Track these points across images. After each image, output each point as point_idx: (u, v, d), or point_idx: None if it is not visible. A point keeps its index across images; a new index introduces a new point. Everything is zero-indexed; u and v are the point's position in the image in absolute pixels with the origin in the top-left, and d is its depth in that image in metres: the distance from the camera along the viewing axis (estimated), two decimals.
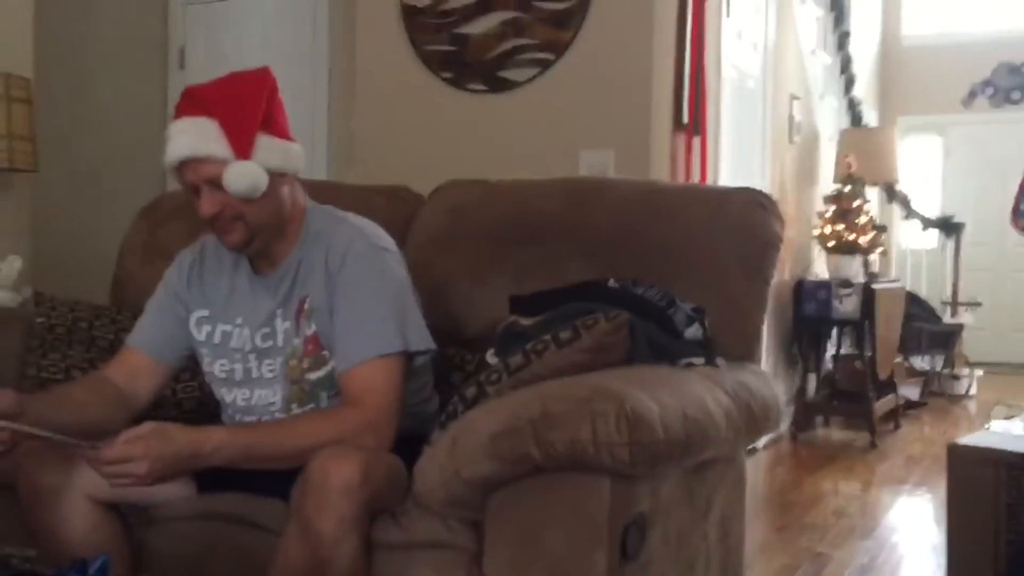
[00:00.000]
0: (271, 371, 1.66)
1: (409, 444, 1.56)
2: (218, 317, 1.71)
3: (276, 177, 1.60)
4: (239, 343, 1.69)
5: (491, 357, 1.66)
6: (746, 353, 1.84)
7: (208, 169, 1.55)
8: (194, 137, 1.55)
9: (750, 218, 1.91)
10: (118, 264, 2.44)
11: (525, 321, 1.67)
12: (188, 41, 4.91)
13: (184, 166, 1.57)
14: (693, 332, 1.68)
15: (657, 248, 1.89)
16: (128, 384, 1.70)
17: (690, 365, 1.61)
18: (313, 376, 1.63)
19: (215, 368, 1.71)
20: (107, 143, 4.68)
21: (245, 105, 1.60)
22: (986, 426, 1.36)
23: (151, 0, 4.91)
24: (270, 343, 1.66)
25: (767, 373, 1.84)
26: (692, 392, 1.46)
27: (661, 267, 1.87)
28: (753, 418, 1.62)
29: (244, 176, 1.55)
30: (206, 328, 1.73)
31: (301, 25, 4.62)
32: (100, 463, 1.41)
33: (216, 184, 1.55)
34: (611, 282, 1.75)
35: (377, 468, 1.42)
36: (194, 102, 1.59)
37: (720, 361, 1.68)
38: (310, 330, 1.63)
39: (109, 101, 4.79)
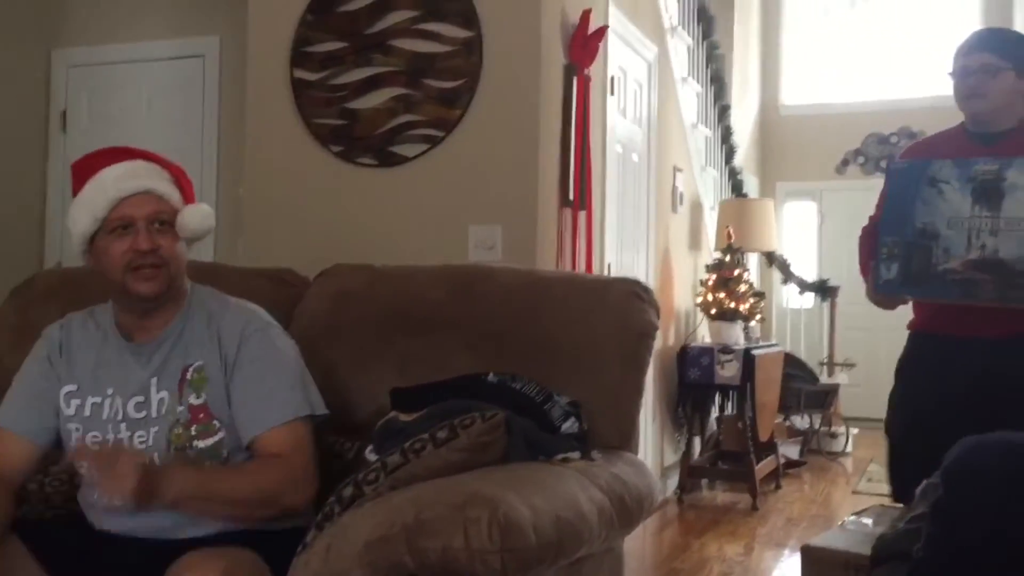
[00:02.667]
0: (142, 442, 1.66)
1: (284, 538, 1.59)
2: (87, 390, 1.71)
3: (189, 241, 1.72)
4: (110, 413, 1.68)
5: (370, 454, 1.67)
6: (623, 442, 1.89)
7: (160, 206, 1.66)
8: (152, 177, 1.68)
9: (627, 308, 1.98)
10: None
11: (404, 417, 1.69)
12: (70, 104, 4.82)
13: (129, 201, 1.64)
14: (569, 426, 1.72)
15: (538, 339, 1.94)
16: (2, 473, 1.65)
17: (566, 460, 1.65)
18: (201, 444, 1.64)
19: (87, 441, 1.68)
20: None
21: (175, 166, 1.76)
22: (840, 523, 1.43)
23: (33, 61, 4.80)
24: (143, 413, 1.67)
25: (642, 463, 1.89)
26: (566, 491, 1.50)
27: (542, 357, 1.91)
28: (627, 511, 1.66)
29: (203, 218, 1.68)
30: (75, 402, 1.72)
31: (190, 92, 4.59)
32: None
33: (160, 223, 1.65)
34: (490, 376, 1.78)
35: (239, 574, 1.41)
36: (129, 152, 1.72)
37: (596, 454, 1.72)
38: (198, 400, 1.65)
39: None
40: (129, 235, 1.64)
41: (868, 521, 1.40)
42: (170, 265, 1.67)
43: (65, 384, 1.72)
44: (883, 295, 2.20)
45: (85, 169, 1.71)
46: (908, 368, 2.36)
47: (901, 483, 2.11)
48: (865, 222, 2.44)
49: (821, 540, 1.34)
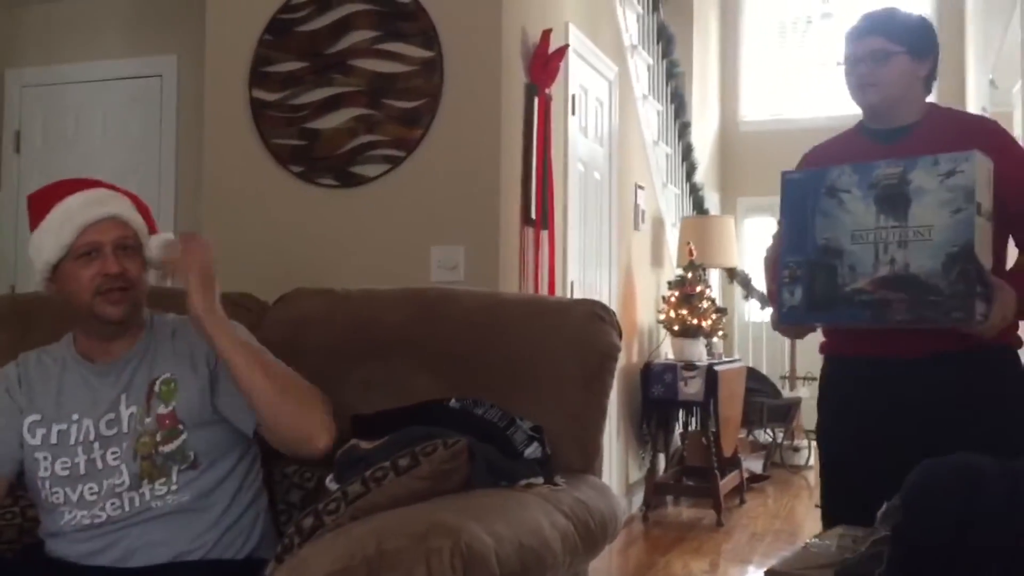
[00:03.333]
0: (115, 458, 1.69)
1: (241, 568, 1.64)
2: (51, 418, 1.73)
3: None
4: (79, 436, 1.71)
5: (330, 483, 1.65)
6: (586, 465, 1.89)
7: (127, 232, 1.72)
8: (116, 203, 1.74)
9: (589, 330, 1.97)
10: None
11: (365, 445, 1.67)
12: (24, 124, 4.75)
13: (95, 227, 1.69)
14: (532, 451, 1.71)
15: (500, 362, 1.93)
16: None
17: (529, 486, 1.64)
18: (166, 449, 1.68)
19: (56, 467, 1.70)
20: None
21: (132, 194, 1.83)
22: (804, 545, 1.43)
23: None
24: (114, 430, 1.71)
25: (606, 486, 1.89)
26: (529, 518, 1.49)
27: (504, 381, 1.90)
28: (591, 536, 1.65)
29: (170, 244, 1.73)
30: (40, 431, 1.73)
31: (147, 112, 4.54)
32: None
33: (125, 248, 1.71)
34: (452, 402, 1.77)
35: None
36: (89, 181, 1.76)
37: (559, 479, 1.71)
38: (166, 408, 1.71)
39: None
40: (96, 260, 1.69)
41: (830, 543, 1.40)
42: (136, 288, 1.73)
43: (28, 415, 1.74)
44: (788, 324, 1.93)
45: (44, 200, 1.73)
46: (825, 398, 2.13)
47: (830, 519, 1.96)
48: None
49: (784, 564, 1.33)
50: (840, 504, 1.99)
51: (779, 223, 1.97)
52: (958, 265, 1.67)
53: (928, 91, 2.06)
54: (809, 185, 1.86)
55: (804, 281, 1.84)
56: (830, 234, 1.81)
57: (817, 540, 1.43)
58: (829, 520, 1.98)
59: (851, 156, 1.91)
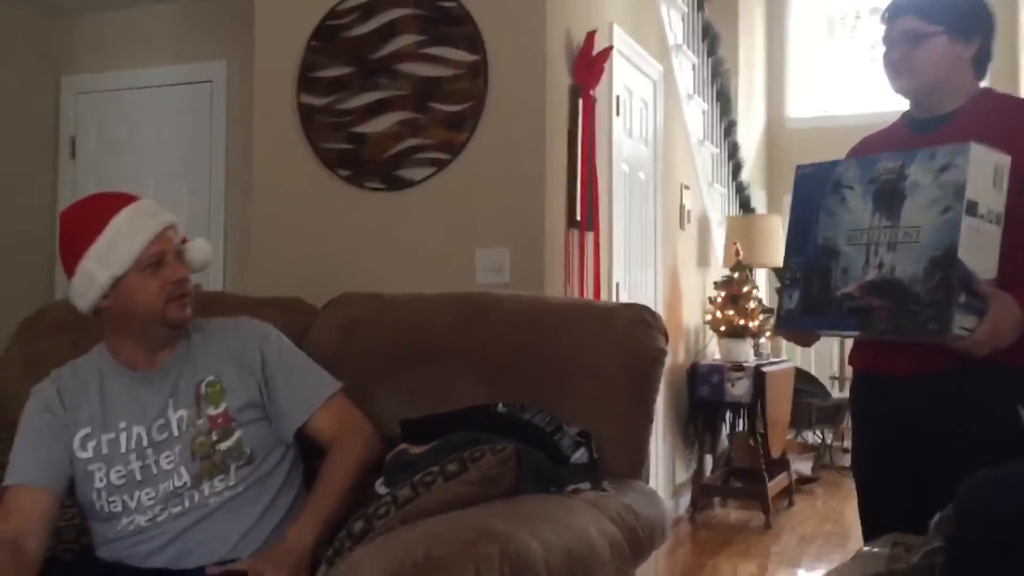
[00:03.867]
0: (169, 461, 1.73)
1: None
2: (99, 429, 1.76)
3: None
4: (130, 444, 1.74)
5: (380, 487, 1.67)
6: (633, 470, 1.89)
7: (177, 240, 1.78)
8: (168, 213, 1.79)
9: (635, 335, 1.97)
10: None
11: (414, 450, 1.68)
12: (79, 130, 4.85)
13: (160, 236, 1.75)
14: (579, 456, 1.72)
15: (545, 367, 1.94)
16: (23, 528, 1.68)
17: (576, 491, 1.64)
18: (223, 446, 1.74)
19: (111, 477, 1.73)
20: None
21: None
22: (854, 554, 1.42)
23: (41, 88, 4.85)
24: (165, 434, 1.75)
25: (653, 491, 1.88)
26: (577, 525, 1.49)
27: (549, 386, 1.91)
28: (639, 542, 1.65)
29: (207, 252, 1.83)
30: (91, 444, 1.76)
31: (198, 117, 4.62)
32: None
33: (180, 255, 1.78)
34: (500, 407, 1.78)
35: None
36: (129, 196, 1.80)
37: (606, 484, 1.72)
38: (216, 410, 1.76)
39: None
40: (160, 269, 1.74)
41: (882, 551, 1.39)
42: (192, 293, 1.80)
43: (79, 429, 1.77)
44: (783, 329, 1.80)
45: (91, 216, 1.75)
46: (853, 411, 1.99)
47: (867, 531, 1.91)
48: None
49: (836, 573, 1.33)
50: (865, 514, 1.97)
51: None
52: (939, 271, 1.51)
53: (980, 75, 1.86)
54: (817, 180, 1.73)
55: (801, 284, 1.72)
56: (829, 233, 1.68)
57: (868, 549, 1.41)
58: (864, 532, 1.94)
59: (890, 148, 1.75)
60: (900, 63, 1.82)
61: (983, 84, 1.87)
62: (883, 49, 1.87)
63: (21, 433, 1.79)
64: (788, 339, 1.93)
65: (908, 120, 1.90)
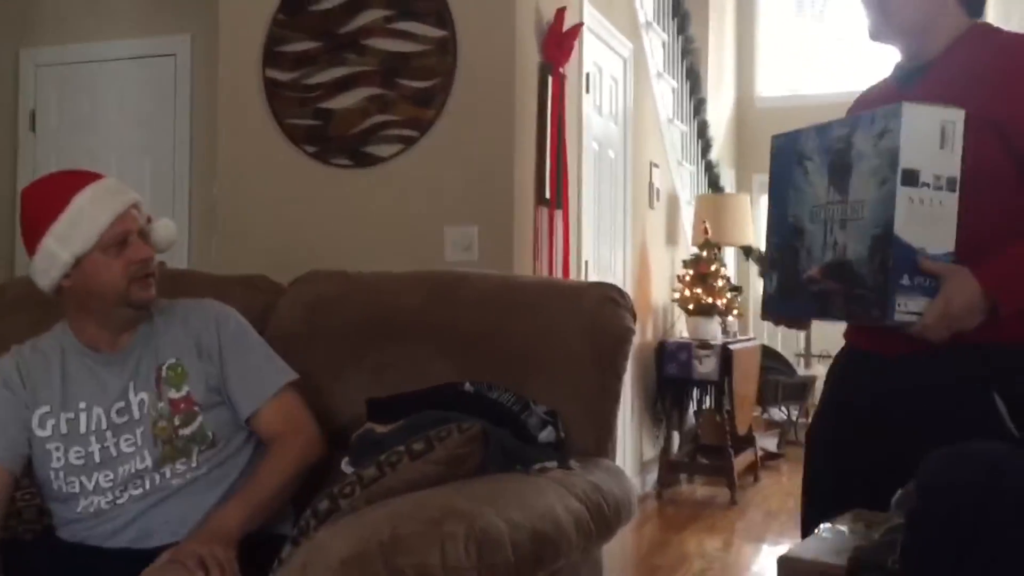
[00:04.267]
0: (129, 444, 1.71)
1: (262, 545, 1.62)
2: (59, 408, 1.74)
3: None
4: (90, 425, 1.72)
5: (345, 467, 1.66)
6: (600, 449, 1.89)
7: (142, 219, 1.74)
8: (132, 192, 1.75)
9: (602, 314, 1.97)
10: None
11: (380, 429, 1.68)
12: (39, 104, 4.76)
13: (124, 215, 1.71)
14: (547, 435, 1.71)
15: (514, 346, 1.93)
16: None
17: (544, 470, 1.64)
18: (185, 432, 1.72)
19: (69, 457, 1.71)
20: None
21: None
22: (816, 530, 1.43)
23: (0, 60, 4.74)
24: (126, 417, 1.73)
25: (620, 469, 1.89)
26: (543, 503, 1.49)
27: (517, 364, 1.90)
28: (605, 520, 1.65)
29: (173, 229, 1.80)
30: (51, 422, 1.74)
31: (161, 92, 4.54)
32: None
33: (144, 235, 1.74)
34: (467, 386, 1.77)
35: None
36: (92, 174, 1.76)
37: (573, 463, 1.71)
38: (178, 393, 1.73)
39: None
40: (124, 248, 1.71)
41: (843, 528, 1.40)
42: (156, 273, 1.77)
43: (37, 408, 1.74)
44: (770, 315, 1.66)
45: (54, 194, 1.71)
46: (827, 379, 1.82)
47: (808, 505, 1.75)
48: None
49: (797, 550, 1.33)
50: (813, 487, 1.79)
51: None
52: (879, 251, 1.39)
53: (975, 11, 1.62)
54: (788, 152, 1.57)
55: (779, 266, 1.59)
56: (797, 210, 1.55)
57: (829, 525, 1.42)
58: (804, 510, 1.78)
59: (876, 103, 1.58)
60: (874, 7, 1.61)
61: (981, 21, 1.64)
62: None
63: None
64: (779, 324, 1.74)
65: (895, 70, 1.70)
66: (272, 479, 1.70)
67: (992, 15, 7.05)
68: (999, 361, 1.50)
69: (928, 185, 1.37)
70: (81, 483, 1.71)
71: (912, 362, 1.54)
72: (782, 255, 1.59)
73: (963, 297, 1.39)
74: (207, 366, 1.77)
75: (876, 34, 1.65)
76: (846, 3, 8.37)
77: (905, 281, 1.37)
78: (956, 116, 1.38)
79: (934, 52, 1.60)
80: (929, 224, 1.38)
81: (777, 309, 1.64)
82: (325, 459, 1.80)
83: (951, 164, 1.38)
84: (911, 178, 1.36)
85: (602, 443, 1.89)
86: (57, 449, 1.72)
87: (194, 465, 1.72)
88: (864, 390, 1.65)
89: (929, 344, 1.44)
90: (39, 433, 1.73)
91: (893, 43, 1.66)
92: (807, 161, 1.53)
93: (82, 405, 1.74)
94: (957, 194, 1.39)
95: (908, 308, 1.38)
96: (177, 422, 1.72)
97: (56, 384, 1.75)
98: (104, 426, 1.72)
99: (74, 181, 1.73)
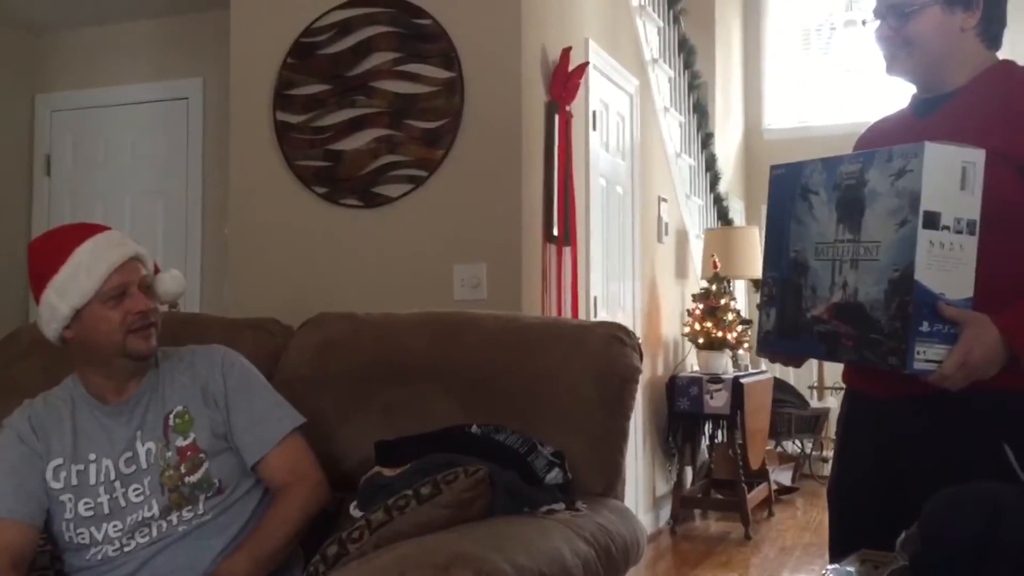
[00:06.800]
0: (138, 494, 1.72)
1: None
2: (70, 460, 1.76)
3: None
4: (99, 477, 1.74)
5: (354, 511, 1.67)
6: (608, 488, 1.89)
7: (144, 271, 1.76)
8: (134, 244, 1.77)
9: (608, 353, 1.98)
10: None
11: (388, 472, 1.69)
12: (54, 148, 4.83)
13: (122, 268, 1.73)
14: (553, 477, 1.72)
15: (521, 387, 1.94)
16: (11, 560, 1.67)
17: (550, 511, 1.65)
18: (191, 479, 1.73)
19: (79, 509, 1.73)
20: None
21: None
22: (824, 572, 1.43)
23: (16, 106, 4.82)
24: (133, 468, 1.74)
25: (628, 509, 1.89)
26: (550, 547, 1.50)
27: (523, 405, 1.91)
28: (613, 562, 1.66)
29: (179, 281, 1.83)
30: (63, 474, 1.76)
31: (174, 135, 4.61)
32: None
33: (146, 287, 1.76)
34: (474, 428, 1.78)
35: None
36: (98, 227, 1.79)
37: (580, 504, 1.72)
38: (185, 440, 1.74)
39: None
40: (123, 300, 1.73)
41: (850, 569, 1.40)
42: (158, 324, 1.77)
43: (52, 460, 1.76)
44: (765, 352, 1.62)
45: (56, 247, 1.75)
46: (840, 429, 1.81)
47: (835, 551, 1.71)
48: None
49: None
50: (836, 533, 1.77)
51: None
52: (897, 295, 1.34)
53: (993, 45, 1.62)
54: (788, 184, 1.54)
55: (778, 302, 1.56)
56: (799, 245, 1.51)
57: (835, 566, 1.42)
58: (831, 553, 1.76)
59: (892, 135, 1.58)
60: (891, 40, 1.60)
61: (1002, 56, 1.64)
62: (875, 24, 1.64)
63: None
64: (773, 362, 1.71)
65: (912, 101, 1.69)
66: (279, 529, 1.71)
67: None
68: (1012, 405, 1.47)
69: (948, 228, 1.33)
70: (91, 534, 1.72)
71: (917, 406, 1.52)
72: (782, 291, 1.55)
73: (983, 347, 1.35)
74: (213, 413, 1.78)
75: (894, 68, 1.64)
76: (853, 36, 8.43)
77: (924, 328, 1.33)
78: (976, 157, 1.35)
79: (953, 85, 1.60)
80: (949, 269, 1.34)
81: (774, 347, 1.60)
82: (331, 503, 1.80)
83: (971, 207, 1.34)
84: (932, 221, 1.32)
85: (610, 483, 1.90)
86: (69, 500, 1.73)
87: (200, 512, 1.73)
88: (869, 436, 1.65)
89: (932, 388, 1.40)
90: (53, 485, 1.75)
91: (911, 77, 1.64)
92: (812, 195, 1.49)
93: (91, 457, 1.75)
94: (976, 238, 1.35)
95: (927, 356, 1.34)
96: (183, 470, 1.73)
97: (67, 436, 1.77)
98: (113, 477, 1.74)
99: (77, 234, 1.75)
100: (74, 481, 1.74)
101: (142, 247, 1.80)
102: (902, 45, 1.59)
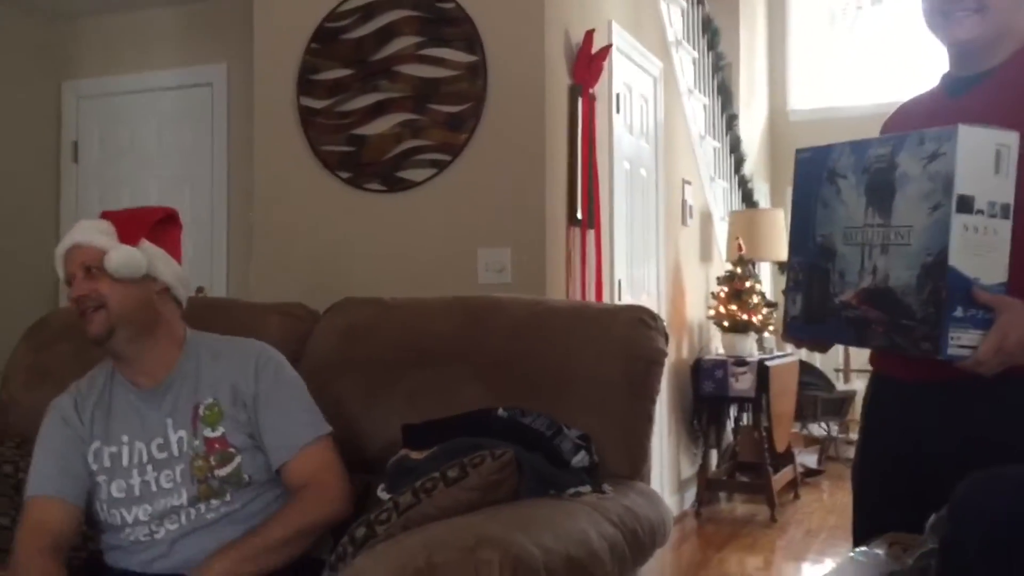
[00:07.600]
0: (169, 480, 1.74)
1: (303, 571, 1.67)
2: (105, 442, 1.78)
3: (150, 281, 1.77)
4: (132, 459, 1.76)
5: (382, 493, 1.68)
6: (634, 471, 1.89)
7: (87, 254, 1.72)
8: (84, 230, 1.75)
9: (634, 337, 1.98)
10: (1, 388, 2.38)
11: (415, 455, 1.70)
12: (81, 135, 4.87)
13: (65, 258, 1.74)
14: (579, 460, 1.72)
15: (546, 370, 1.95)
16: (54, 543, 1.70)
17: (577, 494, 1.65)
18: (221, 472, 1.73)
19: (112, 490, 1.75)
20: None
21: (139, 215, 1.84)
22: (850, 554, 1.43)
23: (43, 93, 4.86)
24: (165, 454, 1.76)
25: (654, 492, 1.89)
26: (577, 529, 1.50)
27: (549, 388, 1.92)
28: (640, 544, 1.66)
29: (124, 255, 1.72)
30: (100, 455, 1.79)
31: (199, 121, 4.63)
32: None
33: (91, 270, 1.71)
34: (500, 411, 1.79)
35: None
36: (102, 215, 1.82)
37: (607, 487, 1.72)
38: (214, 433, 1.74)
39: None
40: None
41: (879, 552, 1.40)
42: (110, 306, 1.72)
43: (92, 442, 1.79)
44: (790, 337, 1.60)
45: None
46: (865, 412, 1.77)
47: (858, 534, 1.67)
48: None
49: (832, 574, 1.33)
50: (860, 521, 1.74)
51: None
52: (930, 281, 1.32)
53: None
54: (815, 167, 1.51)
55: (804, 287, 1.54)
56: (827, 230, 1.49)
57: (864, 549, 1.41)
58: (855, 540, 1.71)
59: (923, 115, 1.54)
60: (961, 1, 1.50)
61: None
62: None
63: (43, 446, 1.80)
64: (799, 347, 1.71)
65: (945, 80, 1.62)
66: (273, 531, 1.68)
67: None
68: None
69: (983, 212, 1.31)
70: (121, 515, 1.75)
71: (946, 389, 1.50)
72: (808, 276, 1.53)
73: (1019, 331, 1.32)
74: (240, 413, 1.77)
75: (950, 30, 1.54)
76: (879, 15, 8.32)
77: (958, 313, 1.31)
78: (1011, 139, 1.32)
79: (992, 62, 1.53)
80: (983, 253, 1.31)
81: (801, 332, 1.58)
82: (348, 518, 1.71)
83: (1005, 190, 1.32)
84: (966, 205, 1.30)
85: (636, 466, 1.90)
86: (104, 482, 1.76)
87: (228, 500, 1.74)
88: (896, 419, 1.62)
89: (961, 372, 1.37)
90: (92, 466, 1.78)
91: (967, 47, 1.55)
92: (840, 179, 1.47)
93: (124, 439, 1.77)
94: (1010, 222, 1.33)
95: (961, 342, 1.32)
96: (213, 461, 1.74)
97: (103, 418, 1.80)
98: (145, 459, 1.76)
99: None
100: (107, 463, 1.77)
101: (98, 234, 1.75)
102: (976, 8, 1.50)
